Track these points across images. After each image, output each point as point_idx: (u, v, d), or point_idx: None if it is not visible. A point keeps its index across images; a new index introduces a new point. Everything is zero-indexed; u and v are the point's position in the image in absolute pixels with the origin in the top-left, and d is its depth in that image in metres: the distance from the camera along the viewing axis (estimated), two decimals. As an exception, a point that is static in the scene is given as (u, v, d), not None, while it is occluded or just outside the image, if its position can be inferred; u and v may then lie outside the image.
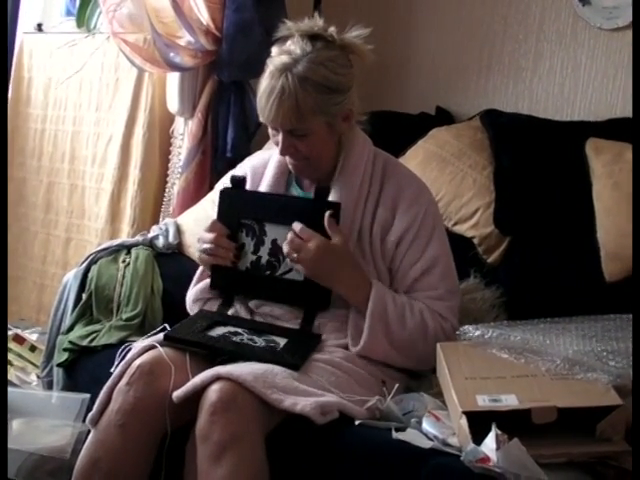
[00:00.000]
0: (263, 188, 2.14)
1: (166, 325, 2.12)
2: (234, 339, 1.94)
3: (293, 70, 1.93)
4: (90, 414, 1.86)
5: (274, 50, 2.01)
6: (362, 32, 2.02)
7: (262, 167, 2.19)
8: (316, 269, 1.97)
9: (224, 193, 2.11)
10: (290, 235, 1.97)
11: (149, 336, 2.05)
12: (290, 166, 2.09)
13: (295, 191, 2.15)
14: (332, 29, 2.01)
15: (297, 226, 1.96)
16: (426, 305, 2.00)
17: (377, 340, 1.96)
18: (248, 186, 2.15)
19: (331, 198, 2.04)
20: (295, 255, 1.95)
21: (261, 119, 2.00)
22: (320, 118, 1.97)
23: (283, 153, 2.01)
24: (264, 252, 2.07)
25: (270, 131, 2.04)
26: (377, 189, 2.07)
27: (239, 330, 1.99)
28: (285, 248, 1.98)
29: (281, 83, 1.93)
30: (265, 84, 1.96)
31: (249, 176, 2.18)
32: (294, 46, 1.97)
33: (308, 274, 1.98)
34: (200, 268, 2.20)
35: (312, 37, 1.99)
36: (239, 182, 2.12)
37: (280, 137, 1.99)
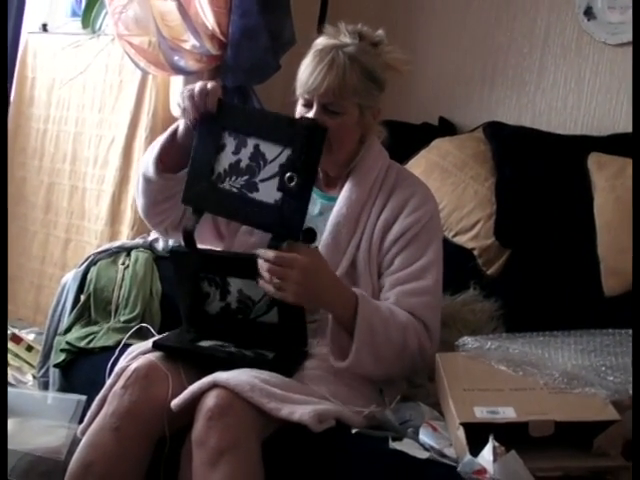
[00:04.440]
0: None
1: (148, 326, 2.16)
2: (224, 350, 1.93)
3: (344, 49, 1.99)
4: (81, 426, 1.86)
5: (320, 39, 2.05)
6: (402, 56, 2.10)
7: None
8: (305, 294, 1.81)
9: (175, 254, 1.99)
10: (265, 264, 1.79)
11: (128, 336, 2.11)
12: None
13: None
14: (380, 32, 2.07)
15: (271, 254, 1.78)
16: (412, 315, 1.94)
17: (363, 360, 1.87)
18: None
19: (341, 196, 2.04)
20: (278, 282, 1.78)
21: (299, 91, 2.01)
22: (357, 101, 2.00)
23: None
24: (232, 300, 1.96)
25: (300, 109, 2.03)
26: (386, 196, 2.07)
27: (226, 343, 1.96)
28: (265, 276, 1.79)
29: (331, 56, 1.98)
30: (311, 59, 2.00)
31: None
32: (342, 36, 2.03)
33: (295, 301, 1.81)
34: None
35: (360, 35, 2.04)
36: (189, 239, 1.93)
37: (313, 111, 1.99)
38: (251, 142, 1.88)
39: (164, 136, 2.06)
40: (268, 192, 1.86)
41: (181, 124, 2.01)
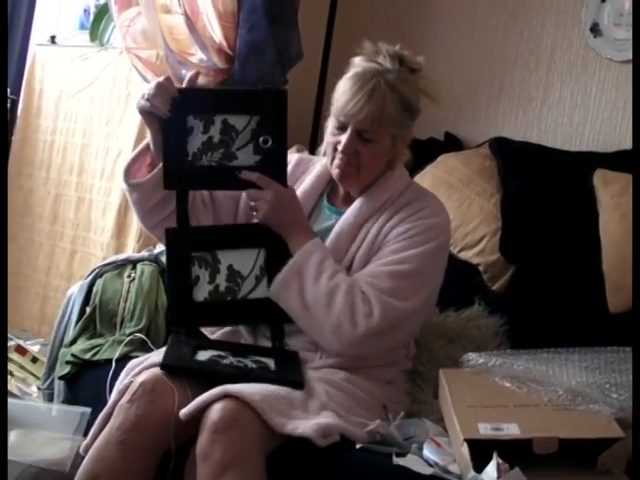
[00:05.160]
0: (298, 191, 2.11)
1: (142, 336, 2.23)
2: (224, 362, 1.90)
3: (386, 76, 1.99)
4: (84, 442, 1.85)
5: (359, 59, 2.05)
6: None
7: (305, 166, 2.21)
8: (273, 216, 2.00)
9: (170, 232, 2.05)
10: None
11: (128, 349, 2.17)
12: (337, 170, 2.04)
13: (324, 204, 2.15)
14: (420, 59, 2.07)
15: (253, 175, 1.99)
16: (358, 286, 1.93)
17: (288, 290, 1.96)
18: (290, 171, 2.12)
19: (351, 208, 2.06)
20: (253, 203, 2.01)
21: (335, 113, 2.01)
22: (392, 130, 2.01)
23: (345, 151, 2.00)
24: (221, 279, 2.04)
25: (331, 130, 2.04)
26: (396, 209, 2.06)
27: (222, 353, 1.95)
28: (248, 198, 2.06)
29: (373, 83, 1.98)
30: (352, 82, 2.00)
31: (293, 164, 2.19)
32: (382, 60, 2.03)
33: (263, 219, 2.01)
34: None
35: (400, 59, 2.04)
36: (183, 219, 2.06)
37: (347, 135, 1.99)
38: (218, 119, 2.01)
39: (135, 153, 2.13)
40: (246, 157, 2.02)
41: (148, 136, 2.08)
